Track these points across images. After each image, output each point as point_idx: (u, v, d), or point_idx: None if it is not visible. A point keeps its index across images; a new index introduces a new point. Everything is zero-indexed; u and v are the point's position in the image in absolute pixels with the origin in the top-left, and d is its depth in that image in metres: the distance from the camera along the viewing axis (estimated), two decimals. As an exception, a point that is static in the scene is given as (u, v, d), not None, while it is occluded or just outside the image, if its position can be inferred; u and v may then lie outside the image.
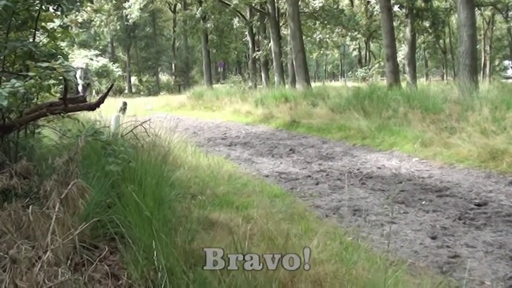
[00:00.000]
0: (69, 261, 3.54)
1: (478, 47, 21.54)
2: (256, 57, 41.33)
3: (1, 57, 6.30)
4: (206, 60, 48.35)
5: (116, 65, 58.40)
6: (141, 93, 59.05)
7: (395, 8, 35.41)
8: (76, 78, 25.21)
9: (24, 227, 3.74)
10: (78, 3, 6.70)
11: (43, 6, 6.30)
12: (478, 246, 6.36)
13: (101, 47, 63.79)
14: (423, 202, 8.29)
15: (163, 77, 74.56)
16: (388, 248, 5.97)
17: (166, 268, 3.76)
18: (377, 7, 39.69)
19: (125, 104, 25.01)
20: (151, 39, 70.67)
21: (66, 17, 6.91)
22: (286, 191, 9.30)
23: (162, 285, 3.48)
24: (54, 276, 3.20)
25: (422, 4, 33.85)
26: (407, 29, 34.04)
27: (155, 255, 3.90)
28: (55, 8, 6.62)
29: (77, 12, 7.80)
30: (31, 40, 6.40)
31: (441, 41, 54.03)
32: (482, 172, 10.22)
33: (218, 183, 8.03)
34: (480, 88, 14.11)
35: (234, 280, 3.61)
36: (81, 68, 25.80)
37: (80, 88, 25.14)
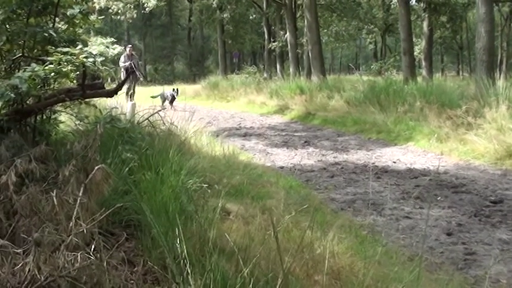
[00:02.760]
0: (89, 247, 3.54)
1: (495, 43, 21.39)
2: (272, 48, 41.21)
3: (21, 42, 6.33)
4: (221, 51, 48.35)
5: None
6: (156, 82, 59.08)
7: (413, 2, 35.25)
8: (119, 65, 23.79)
9: (47, 211, 3.75)
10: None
11: (63, -8, 6.32)
12: (493, 244, 6.34)
13: (116, 35, 63.79)
14: (439, 198, 8.26)
15: (179, 66, 74.55)
16: (406, 243, 5.98)
17: (182, 256, 3.76)
18: (394, 0, 39.56)
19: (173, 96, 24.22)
20: (167, 28, 70.67)
21: (86, 3, 6.92)
22: (301, 183, 9.30)
23: (184, 274, 3.47)
24: (74, 261, 3.21)
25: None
26: (425, 24, 33.80)
27: (172, 243, 3.89)
28: (75, -6, 6.64)
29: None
30: (50, 26, 6.41)
31: (458, 36, 53.73)
32: (498, 169, 10.17)
33: (234, 173, 8.02)
34: (497, 85, 13.98)
35: (253, 270, 3.60)
36: (127, 54, 24.04)
37: (123, 73, 23.00)
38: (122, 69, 23.30)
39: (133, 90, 23.44)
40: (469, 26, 52.00)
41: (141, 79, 25.07)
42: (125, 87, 22.97)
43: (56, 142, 6.45)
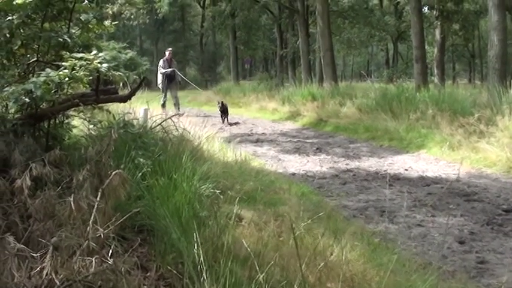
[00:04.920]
0: (103, 251, 3.55)
1: (507, 51, 21.29)
2: (284, 54, 41.24)
3: (35, 47, 6.36)
4: (233, 57, 48.28)
5: (145, 58, 58.62)
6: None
7: (425, 10, 35.15)
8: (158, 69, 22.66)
9: (65, 215, 3.76)
10: (113, -4, 6.76)
11: (78, -2, 6.35)
12: (506, 253, 6.34)
13: (128, 40, 63.94)
14: (451, 206, 8.24)
15: (191, 72, 74.58)
16: (418, 251, 5.96)
17: (194, 263, 3.77)
18: (407, 8, 39.49)
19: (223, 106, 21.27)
20: (180, 34, 70.76)
21: (101, 9, 6.94)
22: (313, 189, 9.29)
23: (201, 279, 3.48)
24: (89, 265, 3.22)
25: (453, 6, 33.54)
26: (437, 31, 33.75)
27: (185, 248, 3.91)
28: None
29: (110, 5, 7.83)
30: (64, 31, 6.43)
31: (470, 44, 53.57)
32: (511, 178, 10.12)
33: (246, 179, 8.02)
34: (510, 93, 13.95)
35: (267, 276, 3.60)
36: (166, 59, 22.40)
37: (159, 79, 22.24)
38: (160, 76, 22.24)
39: (176, 97, 22.28)
40: (481, 34, 51.90)
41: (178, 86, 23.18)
42: (162, 96, 21.87)
43: (69, 147, 6.47)
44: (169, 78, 21.93)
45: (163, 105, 21.00)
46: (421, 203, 8.44)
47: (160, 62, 22.46)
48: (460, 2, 34.03)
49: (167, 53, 22.72)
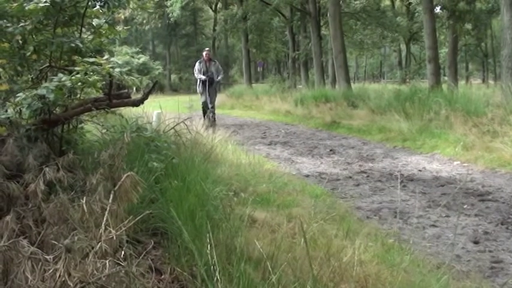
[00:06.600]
0: (116, 254, 3.57)
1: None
2: (296, 56, 41.28)
3: (48, 52, 6.39)
4: (246, 60, 48.32)
5: (157, 62, 58.94)
6: (181, 90, 59.42)
7: (437, 10, 35.02)
8: (194, 74, 20.45)
9: (77, 218, 3.78)
10: (125, 0, 6.76)
11: (89, 3, 6.36)
12: (521, 252, 6.29)
13: (141, 45, 64.26)
14: (465, 206, 8.19)
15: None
16: (432, 251, 5.94)
17: (207, 265, 3.77)
18: (419, 8, 39.42)
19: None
20: (192, 38, 71.10)
21: (113, 13, 6.97)
22: (327, 191, 9.26)
23: (214, 280, 3.49)
24: (103, 268, 3.24)
25: (465, 6, 33.40)
26: (449, 31, 33.67)
27: (199, 250, 3.91)
28: (101, 4, 6.69)
29: (122, 10, 7.86)
30: (76, 37, 6.46)
31: (483, 43, 53.39)
32: (525, 178, 10.08)
33: (259, 182, 8.03)
34: (524, 92, 13.89)
35: (280, 278, 3.61)
36: (203, 60, 19.73)
37: (198, 84, 19.92)
38: (198, 80, 20.11)
39: (214, 103, 20.14)
40: (494, 33, 51.70)
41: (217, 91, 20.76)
42: (201, 100, 19.80)
43: (83, 151, 6.49)
44: (205, 84, 19.69)
45: (204, 112, 19.25)
46: (435, 203, 8.41)
47: (196, 65, 20.25)
48: (472, 2, 33.90)
49: (204, 54, 20.15)
